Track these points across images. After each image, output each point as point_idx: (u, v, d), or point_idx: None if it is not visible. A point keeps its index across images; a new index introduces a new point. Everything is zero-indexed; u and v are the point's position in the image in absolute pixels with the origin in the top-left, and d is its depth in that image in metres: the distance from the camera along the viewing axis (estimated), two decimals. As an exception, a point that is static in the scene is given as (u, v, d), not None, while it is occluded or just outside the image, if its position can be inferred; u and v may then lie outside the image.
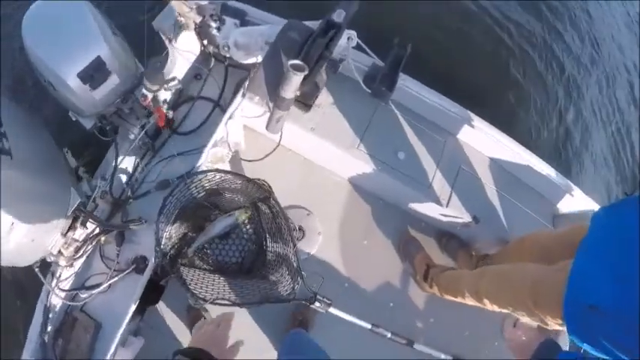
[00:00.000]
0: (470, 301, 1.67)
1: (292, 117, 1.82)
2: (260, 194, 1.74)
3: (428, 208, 2.10)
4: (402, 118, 2.07)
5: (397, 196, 2.17)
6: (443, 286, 1.90)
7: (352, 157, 1.97)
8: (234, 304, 1.49)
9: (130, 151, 1.97)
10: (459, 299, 1.74)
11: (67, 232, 1.75)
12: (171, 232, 1.63)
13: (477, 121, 2.09)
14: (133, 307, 1.71)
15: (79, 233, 1.83)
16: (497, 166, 2.16)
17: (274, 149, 1.98)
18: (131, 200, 1.94)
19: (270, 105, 1.58)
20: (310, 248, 2.11)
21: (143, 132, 1.86)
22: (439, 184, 2.02)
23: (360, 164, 1.99)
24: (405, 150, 2.03)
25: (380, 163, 1.98)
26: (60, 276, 1.90)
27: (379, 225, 2.25)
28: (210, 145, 1.74)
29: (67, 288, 1.92)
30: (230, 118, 1.82)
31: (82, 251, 1.87)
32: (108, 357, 1.67)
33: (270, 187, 1.68)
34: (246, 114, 1.97)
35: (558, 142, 3.66)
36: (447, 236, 2.22)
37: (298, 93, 1.50)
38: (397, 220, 2.26)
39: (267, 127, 1.64)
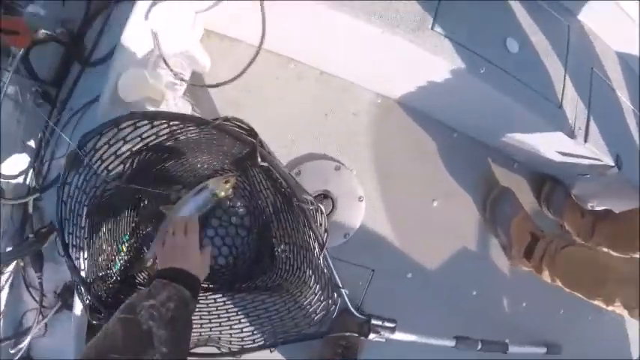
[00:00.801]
0: (613, 309, 1.22)
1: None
2: (239, 148, 0.93)
3: (547, 143, 1.32)
4: None
5: (490, 123, 1.35)
6: (564, 273, 1.34)
7: (421, 50, 1.04)
8: (223, 354, 0.96)
9: (17, 113, 1.16)
10: (597, 302, 1.25)
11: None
12: (101, 241, 0.99)
13: None
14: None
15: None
16: (628, 69, 1.46)
17: (257, 53, 1.03)
18: (39, 195, 1.17)
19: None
20: (347, 225, 1.30)
21: (11, 73, 1.03)
22: (571, 101, 1.25)
23: (432, 64, 1.08)
24: (516, 37, 1.18)
25: (476, 60, 1.09)
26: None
27: (453, 173, 1.45)
28: (114, 69, 0.88)
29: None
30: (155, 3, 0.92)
31: (-11, 288, 1.20)
32: None
33: (252, 129, 0.89)
34: (199, 5, 1.06)
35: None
36: (551, 183, 1.60)
37: None
38: (479, 160, 1.49)
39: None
